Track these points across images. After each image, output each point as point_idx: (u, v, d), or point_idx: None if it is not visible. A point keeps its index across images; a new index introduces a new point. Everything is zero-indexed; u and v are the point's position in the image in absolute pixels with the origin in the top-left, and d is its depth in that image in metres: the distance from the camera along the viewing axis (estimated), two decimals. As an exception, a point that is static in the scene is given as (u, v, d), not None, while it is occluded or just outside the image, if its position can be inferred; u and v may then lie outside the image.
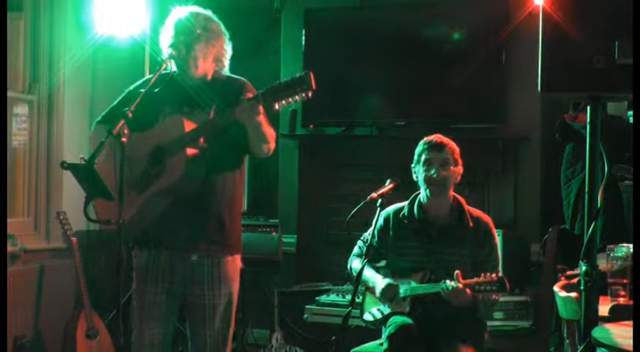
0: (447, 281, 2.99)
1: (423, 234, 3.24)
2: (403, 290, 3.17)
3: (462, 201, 3.27)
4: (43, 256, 4.70)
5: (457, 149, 3.25)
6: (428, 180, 3.18)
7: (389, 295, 3.19)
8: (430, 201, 3.23)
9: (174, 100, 2.85)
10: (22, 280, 4.44)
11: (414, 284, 3.15)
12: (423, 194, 3.26)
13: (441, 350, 3.01)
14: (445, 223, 3.23)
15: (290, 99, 2.58)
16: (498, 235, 3.78)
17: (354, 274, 3.19)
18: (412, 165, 3.29)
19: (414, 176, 3.28)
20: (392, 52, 4.99)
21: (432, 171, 3.17)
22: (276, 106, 2.60)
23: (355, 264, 3.38)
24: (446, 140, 3.23)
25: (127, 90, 2.98)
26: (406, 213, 3.30)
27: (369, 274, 3.27)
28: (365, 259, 3.11)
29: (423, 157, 3.21)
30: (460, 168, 3.24)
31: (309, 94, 2.57)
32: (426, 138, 3.26)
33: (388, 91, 5.00)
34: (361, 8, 5.21)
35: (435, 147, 3.20)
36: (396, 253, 3.28)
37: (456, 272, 2.98)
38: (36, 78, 4.86)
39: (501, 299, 3.17)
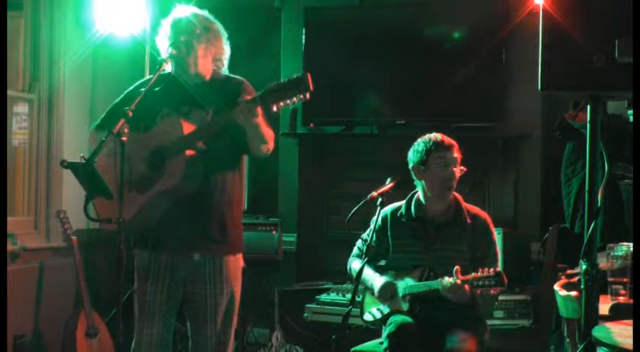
0: (445, 278, 2.99)
1: (421, 231, 3.24)
2: (402, 288, 3.17)
3: (460, 198, 3.27)
4: (43, 255, 4.70)
5: (458, 148, 3.25)
6: (447, 180, 3.16)
7: (387, 294, 3.19)
8: (431, 199, 3.23)
9: (173, 100, 2.85)
10: (22, 279, 4.44)
11: (412, 282, 3.15)
12: (422, 193, 3.26)
13: (441, 346, 3.01)
14: (443, 220, 3.23)
15: (288, 101, 2.57)
16: (498, 234, 3.79)
17: (354, 275, 3.18)
18: (414, 164, 3.26)
19: (416, 175, 3.26)
20: (392, 50, 4.98)
21: (450, 171, 3.16)
22: (274, 108, 2.59)
23: (355, 264, 3.38)
24: (452, 139, 3.23)
25: (126, 92, 2.99)
26: (404, 212, 3.30)
27: (368, 274, 3.27)
28: (364, 259, 3.11)
29: (436, 157, 3.17)
30: (463, 168, 3.23)
31: (307, 96, 2.55)
32: (430, 137, 3.23)
33: (388, 90, 5.00)
34: (361, 7, 5.21)
35: (447, 147, 3.18)
36: (395, 252, 3.28)
37: (456, 267, 2.97)
38: (36, 77, 4.85)
39: (501, 297, 3.17)
